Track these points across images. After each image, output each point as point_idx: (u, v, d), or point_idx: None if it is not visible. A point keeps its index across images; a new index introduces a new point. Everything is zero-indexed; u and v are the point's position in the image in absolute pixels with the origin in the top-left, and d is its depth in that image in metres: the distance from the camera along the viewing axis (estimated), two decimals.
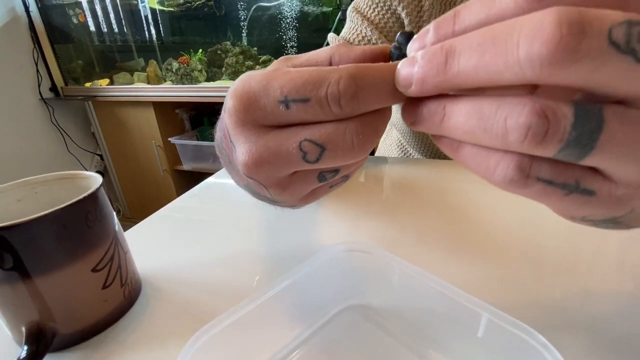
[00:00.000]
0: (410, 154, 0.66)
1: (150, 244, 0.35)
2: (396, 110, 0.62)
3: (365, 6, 0.46)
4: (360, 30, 0.45)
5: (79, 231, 0.21)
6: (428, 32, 0.13)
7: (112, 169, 1.89)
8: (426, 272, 0.20)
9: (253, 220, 0.37)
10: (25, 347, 0.20)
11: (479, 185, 0.39)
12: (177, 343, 0.23)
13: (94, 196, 0.22)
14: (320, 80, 0.13)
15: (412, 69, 0.13)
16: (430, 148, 0.60)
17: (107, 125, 1.75)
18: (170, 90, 1.55)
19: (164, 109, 1.65)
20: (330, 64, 0.17)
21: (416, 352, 0.20)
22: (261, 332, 0.21)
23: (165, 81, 1.69)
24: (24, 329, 0.21)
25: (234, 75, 1.57)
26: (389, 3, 0.44)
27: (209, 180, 0.51)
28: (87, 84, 1.74)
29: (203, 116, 1.88)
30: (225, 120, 0.16)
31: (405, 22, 0.45)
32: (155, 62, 1.69)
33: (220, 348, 0.18)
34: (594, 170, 0.12)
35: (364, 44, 0.45)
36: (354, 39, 0.46)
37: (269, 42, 1.58)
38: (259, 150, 0.15)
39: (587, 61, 0.09)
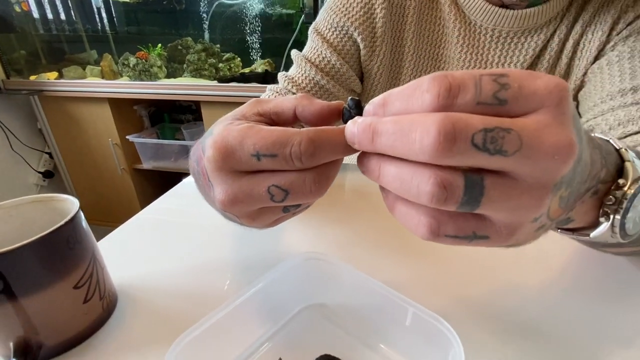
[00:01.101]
0: None
1: (123, 255, 0.37)
2: None
3: (324, 28, 0.50)
4: (321, 52, 0.49)
5: (61, 254, 0.23)
6: (370, 108, 0.17)
7: (64, 168, 1.78)
8: (369, 276, 0.25)
9: (223, 229, 0.40)
10: None
11: None
12: (152, 348, 0.26)
13: (74, 220, 0.24)
14: (286, 141, 0.17)
15: (354, 130, 0.17)
16: None
17: (57, 122, 1.64)
18: (127, 87, 1.48)
19: (120, 105, 1.58)
20: (295, 113, 0.21)
21: (361, 340, 0.25)
22: (235, 331, 0.25)
23: (121, 76, 1.62)
24: (11, 344, 0.23)
25: (196, 72, 1.54)
26: (345, 28, 0.48)
27: (186, 181, 0.53)
28: (32, 77, 1.61)
29: (163, 112, 1.82)
30: (205, 164, 0.19)
31: (361, 46, 0.49)
32: (110, 55, 1.61)
33: (201, 347, 0.21)
34: (486, 219, 0.16)
35: (324, 65, 0.49)
36: (315, 59, 0.50)
37: (232, 40, 1.57)
38: (234, 191, 0.19)
39: (459, 156, 0.13)
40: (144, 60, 1.52)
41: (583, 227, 0.24)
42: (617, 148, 0.22)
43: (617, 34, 0.43)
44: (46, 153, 1.79)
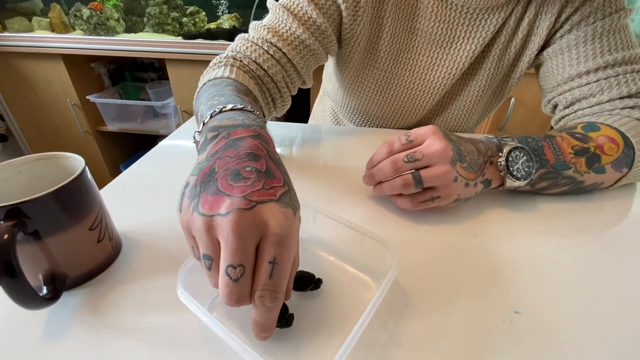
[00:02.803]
0: (342, 122, 0.76)
1: (116, 207, 0.41)
2: (329, 80, 0.71)
3: None
4: (302, 6, 0.49)
5: (77, 201, 0.28)
6: (368, 164, 0.42)
7: (18, 131, 1.68)
8: (333, 212, 0.31)
9: None
10: (45, 287, 0.27)
11: None
12: (155, 276, 0.31)
13: (84, 172, 0.28)
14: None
15: (366, 178, 0.42)
16: (359, 117, 0.69)
17: (5, 81, 1.52)
18: (82, 42, 1.39)
19: (76, 62, 1.49)
20: None
21: (326, 261, 0.33)
22: None
23: (74, 30, 1.50)
24: (40, 276, 0.28)
25: (158, 27, 1.46)
26: None
27: (162, 143, 0.56)
28: None
29: (124, 70, 1.73)
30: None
31: (344, 14, 0.51)
32: (58, 5, 1.47)
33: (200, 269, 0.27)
34: (433, 189, 0.37)
35: (305, 20, 0.49)
36: (294, 9, 0.49)
37: None
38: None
39: (403, 166, 0.37)
40: (98, 12, 1.41)
41: (502, 183, 0.40)
42: (499, 140, 0.40)
43: (567, 18, 0.49)
44: None
